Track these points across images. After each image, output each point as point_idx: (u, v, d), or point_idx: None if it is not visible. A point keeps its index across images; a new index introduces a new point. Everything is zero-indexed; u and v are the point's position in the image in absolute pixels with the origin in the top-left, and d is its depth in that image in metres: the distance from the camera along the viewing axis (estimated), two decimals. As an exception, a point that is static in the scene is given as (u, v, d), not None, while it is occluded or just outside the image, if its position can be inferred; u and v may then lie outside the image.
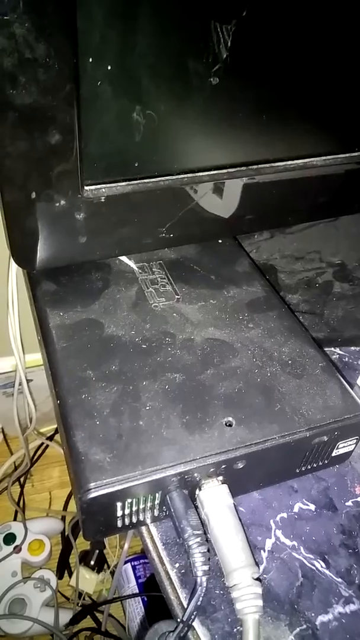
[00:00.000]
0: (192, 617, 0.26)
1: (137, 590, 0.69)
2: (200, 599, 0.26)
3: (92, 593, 0.73)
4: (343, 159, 0.37)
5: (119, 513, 0.27)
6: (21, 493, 0.80)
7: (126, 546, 0.66)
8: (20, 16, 0.23)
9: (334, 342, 0.42)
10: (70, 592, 0.73)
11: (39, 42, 0.24)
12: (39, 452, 0.85)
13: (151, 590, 0.68)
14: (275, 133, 0.34)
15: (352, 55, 0.32)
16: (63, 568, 0.75)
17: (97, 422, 0.28)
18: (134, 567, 0.71)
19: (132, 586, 0.69)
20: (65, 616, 0.69)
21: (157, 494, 0.27)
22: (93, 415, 0.28)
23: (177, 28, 0.27)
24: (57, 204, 0.30)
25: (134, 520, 0.28)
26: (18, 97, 0.25)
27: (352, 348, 0.42)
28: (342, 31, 0.30)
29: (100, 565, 0.75)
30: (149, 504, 0.28)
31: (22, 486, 0.81)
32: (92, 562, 0.75)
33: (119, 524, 0.28)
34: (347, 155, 0.37)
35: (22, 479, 0.82)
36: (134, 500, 0.27)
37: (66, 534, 0.77)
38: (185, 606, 0.26)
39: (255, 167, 0.35)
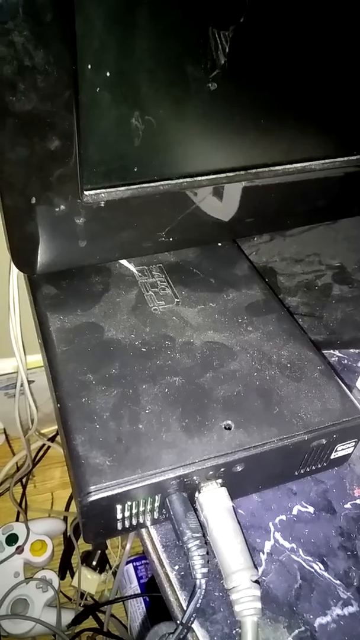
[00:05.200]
0: (192, 619, 0.26)
1: (139, 591, 0.69)
2: (200, 601, 0.26)
3: (94, 593, 0.73)
4: (341, 162, 0.37)
5: (119, 516, 0.28)
6: (23, 494, 0.80)
7: (128, 546, 0.66)
8: (20, 24, 0.23)
9: (333, 344, 0.42)
10: (72, 592, 0.74)
11: (38, 49, 0.24)
12: (41, 453, 0.85)
13: (153, 590, 0.68)
14: (274, 137, 0.34)
15: (349, 59, 0.32)
16: (65, 568, 0.76)
17: (97, 426, 0.28)
18: (135, 568, 0.71)
19: (134, 586, 0.70)
20: (67, 616, 0.69)
21: (156, 497, 0.28)
22: (93, 419, 0.29)
23: (175, 34, 0.27)
24: (57, 209, 0.31)
25: (134, 522, 0.29)
26: (18, 104, 0.26)
27: (352, 350, 0.42)
28: (339, 36, 0.31)
29: (102, 565, 0.76)
30: (148, 507, 0.28)
31: (24, 487, 0.81)
32: (94, 563, 0.75)
33: (119, 526, 0.28)
34: (346, 158, 0.37)
35: (24, 480, 0.82)
36: (134, 503, 0.27)
37: (68, 534, 0.78)
38: (185, 608, 0.27)
39: (254, 171, 0.35)
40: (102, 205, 0.31)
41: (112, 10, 0.25)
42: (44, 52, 0.25)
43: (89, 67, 0.26)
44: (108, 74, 0.27)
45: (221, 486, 0.29)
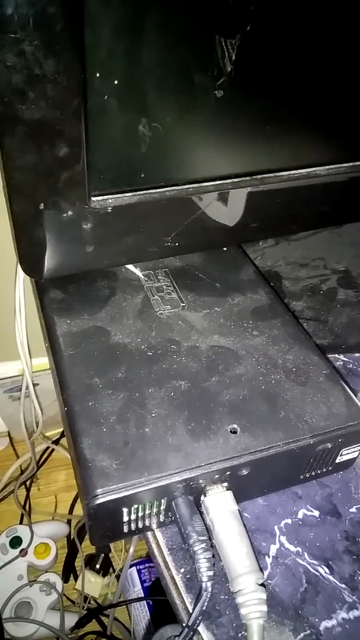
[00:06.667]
0: (197, 621, 0.26)
1: (142, 594, 0.69)
2: (206, 604, 0.26)
3: (97, 597, 0.73)
4: (346, 168, 0.37)
5: (126, 519, 0.28)
6: (27, 496, 0.81)
7: (131, 550, 0.66)
8: (30, 34, 0.24)
9: (338, 348, 0.42)
10: (75, 595, 0.74)
11: (48, 58, 0.25)
12: (45, 455, 0.85)
13: (156, 594, 0.68)
14: (279, 143, 0.34)
15: (354, 65, 0.32)
16: (69, 571, 0.76)
17: (104, 429, 0.29)
18: (139, 571, 0.71)
19: (138, 590, 0.70)
20: (70, 620, 0.69)
21: (162, 500, 0.28)
22: (100, 422, 0.29)
23: (182, 43, 0.27)
24: (65, 215, 0.31)
25: (140, 525, 0.29)
26: (27, 112, 0.26)
27: (357, 354, 0.42)
28: (345, 43, 0.31)
29: (105, 569, 0.76)
30: (154, 510, 0.28)
31: (28, 490, 0.82)
32: (97, 566, 0.75)
33: (126, 529, 0.29)
34: (351, 164, 0.37)
35: (28, 483, 0.82)
36: (140, 506, 0.28)
37: (72, 537, 0.78)
38: (191, 611, 0.27)
39: (259, 176, 0.35)
40: (109, 210, 0.32)
41: (120, 20, 0.25)
42: (53, 61, 0.25)
43: (98, 75, 0.26)
44: (116, 82, 0.27)
45: (227, 489, 0.29)
